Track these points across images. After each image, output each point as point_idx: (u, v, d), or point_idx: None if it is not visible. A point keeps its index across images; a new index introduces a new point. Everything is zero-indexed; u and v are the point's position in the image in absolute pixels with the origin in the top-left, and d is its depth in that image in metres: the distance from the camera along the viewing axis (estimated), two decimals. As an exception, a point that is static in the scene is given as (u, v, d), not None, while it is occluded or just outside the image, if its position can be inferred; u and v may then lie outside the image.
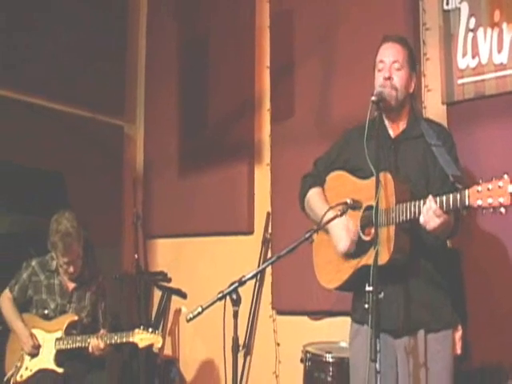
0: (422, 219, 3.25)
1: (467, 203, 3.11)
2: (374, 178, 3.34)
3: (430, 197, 3.22)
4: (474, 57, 4.58)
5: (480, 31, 4.56)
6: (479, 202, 3.06)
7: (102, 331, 5.03)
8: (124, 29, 7.06)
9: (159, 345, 4.91)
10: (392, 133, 3.70)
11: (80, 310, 5.03)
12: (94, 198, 6.34)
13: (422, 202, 3.27)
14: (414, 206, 3.30)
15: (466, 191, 3.11)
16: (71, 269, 4.93)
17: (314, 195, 3.88)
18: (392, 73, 3.60)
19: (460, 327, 3.62)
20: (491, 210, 3.05)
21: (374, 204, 3.34)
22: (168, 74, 6.83)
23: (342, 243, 3.59)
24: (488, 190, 3.03)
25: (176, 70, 6.78)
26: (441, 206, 3.19)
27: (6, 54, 5.87)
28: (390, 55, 3.63)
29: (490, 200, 3.03)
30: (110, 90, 6.76)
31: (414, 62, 3.73)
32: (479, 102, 4.57)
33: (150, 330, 4.84)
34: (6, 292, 5.03)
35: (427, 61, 4.89)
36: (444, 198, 3.18)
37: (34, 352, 4.84)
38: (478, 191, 3.07)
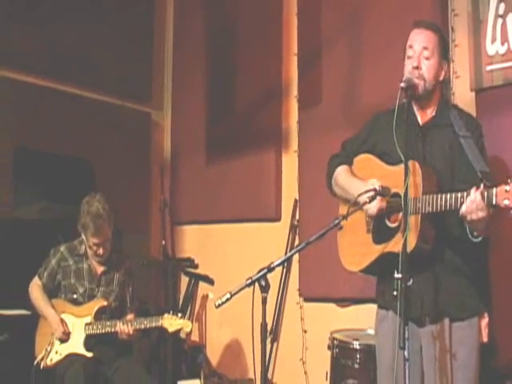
0: (463, 209, 3.20)
1: (494, 202, 3.08)
2: (402, 165, 3.32)
3: (476, 191, 3.17)
4: (503, 43, 4.52)
5: (509, 17, 4.50)
6: (506, 202, 3.04)
7: (129, 315, 5.08)
8: (151, 16, 7.08)
9: (188, 329, 4.93)
10: (420, 120, 3.67)
11: (108, 293, 5.08)
12: (121, 184, 6.38)
13: (448, 195, 3.24)
14: (441, 198, 3.27)
15: (494, 189, 3.09)
16: (101, 251, 4.98)
17: (341, 172, 3.85)
18: (421, 61, 3.54)
19: (486, 315, 3.61)
20: None
21: (400, 192, 3.34)
22: (195, 61, 6.85)
23: (372, 206, 3.54)
24: None
25: (203, 57, 6.79)
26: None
27: (34, 43, 5.92)
28: (420, 41, 3.57)
29: None
30: (137, 78, 6.79)
31: (445, 50, 3.67)
32: (508, 88, 4.52)
33: (180, 314, 4.86)
34: (36, 279, 5.09)
35: (456, 47, 4.85)
36: (486, 192, 3.14)
37: (65, 337, 4.89)
38: (505, 191, 3.04)
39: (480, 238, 3.33)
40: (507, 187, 3.03)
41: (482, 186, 3.16)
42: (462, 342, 3.48)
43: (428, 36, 3.58)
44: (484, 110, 4.60)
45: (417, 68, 3.54)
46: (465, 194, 3.20)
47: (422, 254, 3.38)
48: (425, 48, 3.56)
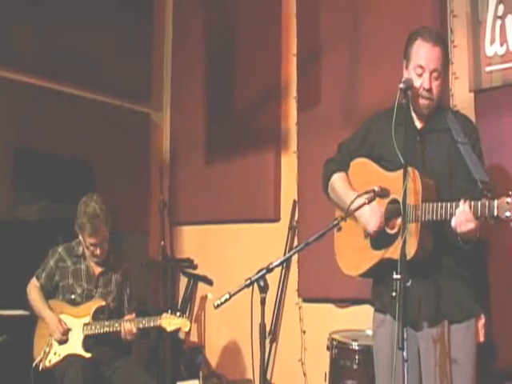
0: (453, 222, 3.24)
1: (495, 214, 3.09)
2: (400, 172, 3.33)
3: (463, 201, 3.20)
4: (502, 44, 4.53)
5: (508, 18, 4.51)
6: (507, 214, 3.05)
7: (128, 316, 5.07)
8: (151, 17, 7.09)
9: (187, 328, 4.93)
10: (418, 124, 3.67)
11: (106, 294, 5.07)
12: (120, 185, 6.39)
13: (449, 204, 3.26)
14: (441, 207, 3.28)
15: (495, 201, 3.10)
16: (98, 251, 4.97)
17: (338, 180, 3.85)
18: (432, 82, 3.53)
19: (483, 316, 3.61)
20: None
21: (399, 198, 3.35)
22: (194, 62, 6.85)
23: (371, 224, 3.56)
24: None
25: (202, 57, 6.79)
26: (473, 212, 3.17)
27: (33, 43, 5.92)
28: (430, 62, 3.53)
29: None
30: (136, 78, 6.80)
31: (448, 62, 3.69)
32: (507, 89, 4.52)
33: (178, 314, 4.86)
34: (33, 280, 5.07)
35: (455, 48, 4.85)
36: (473, 203, 3.17)
37: (63, 338, 4.88)
38: (507, 203, 3.05)
39: (470, 247, 3.35)
40: (508, 199, 3.04)
41: (487, 195, 3.18)
42: (460, 344, 3.48)
43: (438, 55, 3.55)
44: (483, 110, 4.61)
45: (429, 91, 3.54)
46: (448, 204, 3.23)
47: (420, 260, 3.39)
48: (435, 69, 3.54)
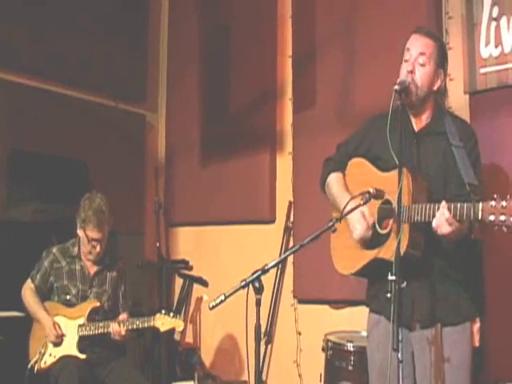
0: (434, 223, 3.24)
1: (479, 217, 3.08)
2: (394, 172, 3.33)
3: (444, 203, 3.20)
4: (496, 46, 4.55)
5: (503, 20, 4.53)
6: (491, 218, 3.04)
7: (122, 315, 5.06)
8: (146, 17, 7.08)
9: (180, 328, 4.92)
10: (415, 126, 3.65)
11: (101, 294, 5.06)
12: (116, 186, 6.37)
13: (436, 205, 3.25)
14: (430, 208, 3.28)
15: (480, 204, 3.08)
16: (98, 248, 4.96)
17: (334, 181, 3.85)
18: (415, 67, 3.53)
19: (478, 320, 3.62)
20: (504, 228, 3.02)
21: (391, 199, 3.36)
22: (190, 63, 6.85)
23: (357, 231, 3.57)
24: (502, 207, 3.00)
25: (198, 58, 6.80)
26: (454, 214, 3.17)
27: (29, 44, 5.92)
28: (417, 46, 3.55)
29: (502, 217, 3.00)
30: (132, 79, 6.79)
31: (442, 59, 3.63)
32: (502, 91, 4.54)
33: (172, 314, 4.85)
34: (28, 283, 5.05)
35: (450, 50, 4.83)
36: (458, 205, 3.16)
37: (58, 341, 4.86)
38: (491, 206, 3.04)
39: (453, 247, 3.37)
40: (493, 203, 3.03)
41: (471, 198, 3.18)
42: (455, 347, 3.47)
43: (426, 43, 3.56)
44: (478, 112, 4.62)
45: (411, 72, 3.52)
46: (452, 205, 3.20)
47: (411, 260, 3.38)
48: (421, 54, 3.54)
